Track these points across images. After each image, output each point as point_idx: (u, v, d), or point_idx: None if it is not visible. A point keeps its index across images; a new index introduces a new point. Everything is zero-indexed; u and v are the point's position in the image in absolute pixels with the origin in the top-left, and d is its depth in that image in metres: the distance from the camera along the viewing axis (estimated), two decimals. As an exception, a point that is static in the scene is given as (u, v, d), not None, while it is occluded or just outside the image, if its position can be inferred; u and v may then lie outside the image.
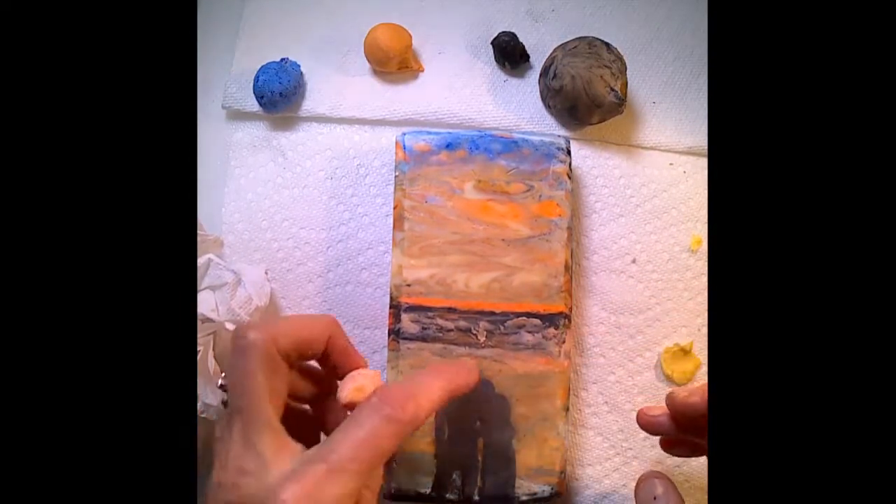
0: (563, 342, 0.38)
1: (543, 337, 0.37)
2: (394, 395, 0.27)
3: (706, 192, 0.43)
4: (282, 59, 0.43)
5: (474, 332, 0.37)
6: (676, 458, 0.41)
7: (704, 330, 0.42)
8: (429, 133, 0.40)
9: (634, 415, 0.41)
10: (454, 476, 0.36)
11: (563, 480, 0.37)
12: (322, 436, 0.33)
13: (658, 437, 0.41)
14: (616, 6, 0.46)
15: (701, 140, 0.43)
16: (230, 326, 0.37)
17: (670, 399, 0.33)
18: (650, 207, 0.43)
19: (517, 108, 0.44)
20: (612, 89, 0.40)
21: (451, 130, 0.40)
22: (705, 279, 0.42)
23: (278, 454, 0.26)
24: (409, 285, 0.37)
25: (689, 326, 0.42)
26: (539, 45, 0.45)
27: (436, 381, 0.29)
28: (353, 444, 0.26)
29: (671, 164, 0.44)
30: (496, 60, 0.45)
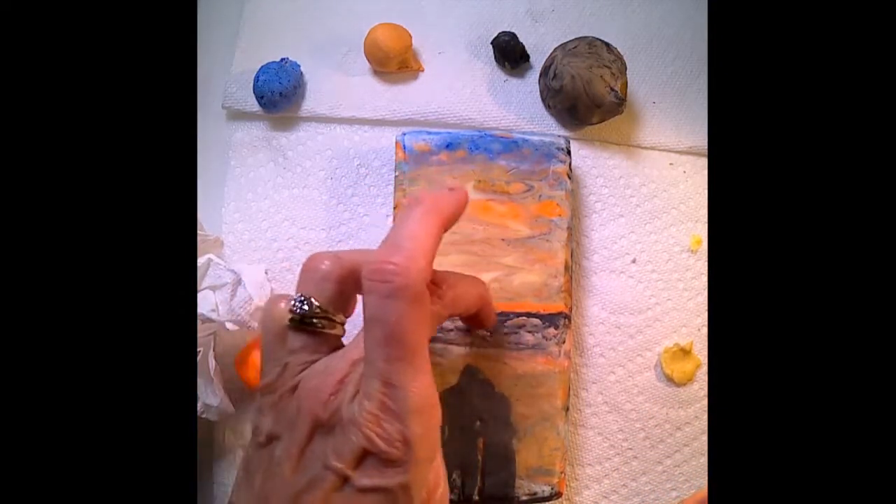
0: (563, 342, 0.38)
1: (543, 337, 0.37)
2: (381, 262, 0.24)
3: (706, 192, 0.43)
4: (282, 59, 0.43)
5: (474, 331, 0.37)
6: (676, 458, 0.41)
7: (704, 330, 0.42)
8: (429, 133, 0.40)
9: (634, 415, 0.41)
10: (454, 476, 0.36)
11: (563, 480, 0.37)
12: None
13: (657, 437, 0.41)
14: (616, 6, 0.46)
15: (701, 140, 0.43)
16: (230, 326, 0.37)
17: None
18: (650, 207, 0.43)
19: (517, 108, 0.44)
20: (612, 89, 0.40)
21: (451, 130, 0.40)
22: (705, 279, 0.42)
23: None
24: (409, 285, 0.37)
25: (689, 326, 0.42)
26: (539, 45, 0.45)
27: (423, 224, 0.26)
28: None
29: (671, 164, 0.44)
30: (496, 60, 0.45)
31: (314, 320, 0.27)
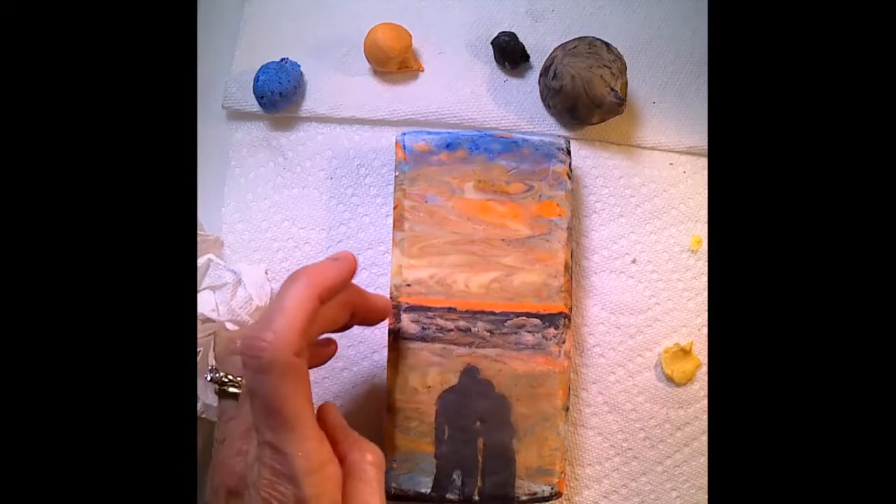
0: (563, 342, 0.38)
1: (543, 337, 0.37)
2: (252, 338, 0.25)
3: (706, 192, 0.43)
4: (282, 59, 0.43)
5: (474, 331, 0.37)
6: (677, 458, 0.41)
7: (704, 330, 0.42)
8: (429, 133, 0.40)
9: (634, 415, 0.41)
10: (454, 476, 0.36)
11: (563, 480, 0.37)
12: None
13: (657, 437, 0.41)
14: (616, 6, 0.46)
15: (701, 140, 0.43)
16: (230, 326, 0.37)
17: None
18: (650, 207, 0.43)
19: (517, 108, 0.44)
20: (612, 89, 0.40)
21: (451, 130, 0.40)
22: (705, 279, 0.42)
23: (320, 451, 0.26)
24: (409, 285, 0.37)
25: (689, 326, 0.42)
26: (539, 45, 0.45)
27: (295, 293, 0.27)
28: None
29: (671, 164, 0.44)
30: (496, 60, 0.45)
31: (229, 388, 0.31)
